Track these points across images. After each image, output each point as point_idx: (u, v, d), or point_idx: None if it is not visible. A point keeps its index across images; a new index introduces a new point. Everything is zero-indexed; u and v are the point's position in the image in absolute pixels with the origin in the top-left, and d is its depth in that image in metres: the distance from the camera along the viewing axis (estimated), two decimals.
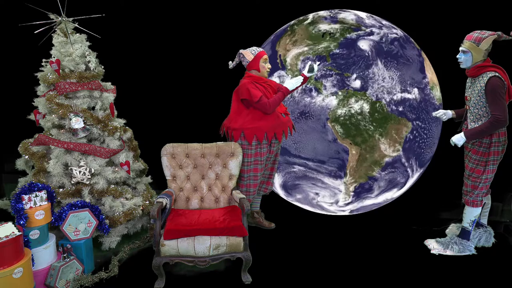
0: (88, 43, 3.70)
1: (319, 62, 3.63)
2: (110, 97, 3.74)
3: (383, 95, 3.69)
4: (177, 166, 3.43)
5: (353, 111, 3.66)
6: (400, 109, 3.73)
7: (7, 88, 5.14)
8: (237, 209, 3.19)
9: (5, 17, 4.94)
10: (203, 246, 2.89)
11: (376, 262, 3.34)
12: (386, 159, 3.78)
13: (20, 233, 2.60)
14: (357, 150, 3.72)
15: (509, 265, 3.27)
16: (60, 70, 3.55)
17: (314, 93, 3.75)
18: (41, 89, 3.69)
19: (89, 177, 3.50)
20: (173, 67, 5.25)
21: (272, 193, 4.18)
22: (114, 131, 3.71)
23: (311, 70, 3.51)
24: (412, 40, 4.09)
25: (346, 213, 4.16)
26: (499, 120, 3.10)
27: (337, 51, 3.77)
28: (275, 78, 3.99)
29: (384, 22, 4.06)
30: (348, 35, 3.84)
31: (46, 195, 3.07)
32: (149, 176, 4.17)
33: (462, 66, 3.27)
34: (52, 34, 3.66)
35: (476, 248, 3.48)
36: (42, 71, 3.66)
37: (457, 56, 3.26)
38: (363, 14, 4.09)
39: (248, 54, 3.60)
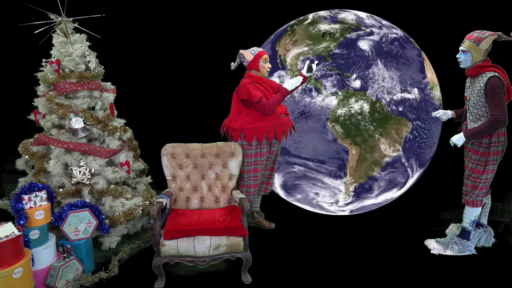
0: (88, 43, 3.71)
1: (317, 62, 3.63)
2: (110, 97, 3.75)
3: (383, 95, 3.69)
4: (177, 166, 3.43)
5: (353, 111, 3.66)
6: (400, 109, 3.73)
7: (7, 88, 5.14)
8: (237, 209, 3.18)
9: (5, 17, 4.94)
10: (203, 246, 2.89)
11: (376, 262, 3.34)
12: (386, 159, 3.78)
13: (20, 233, 2.60)
14: (357, 150, 3.72)
15: (509, 265, 3.27)
16: (60, 70, 3.55)
17: (314, 93, 3.75)
18: (41, 89, 3.69)
19: (89, 177, 3.50)
20: (173, 67, 5.25)
21: (272, 193, 4.18)
22: (114, 131, 3.71)
23: (309, 69, 3.50)
24: (412, 40, 4.09)
25: (346, 213, 4.16)
26: (499, 120, 3.09)
27: (337, 51, 3.77)
28: (275, 78, 3.99)
29: (384, 22, 4.06)
30: (348, 35, 3.84)
31: (46, 195, 3.07)
32: (149, 176, 4.17)
33: (461, 66, 3.27)
34: (52, 34, 3.66)
35: (476, 248, 3.48)
36: (42, 71, 3.66)
37: (457, 55, 3.25)
38: (363, 14, 4.09)
39: (248, 54, 3.60)
